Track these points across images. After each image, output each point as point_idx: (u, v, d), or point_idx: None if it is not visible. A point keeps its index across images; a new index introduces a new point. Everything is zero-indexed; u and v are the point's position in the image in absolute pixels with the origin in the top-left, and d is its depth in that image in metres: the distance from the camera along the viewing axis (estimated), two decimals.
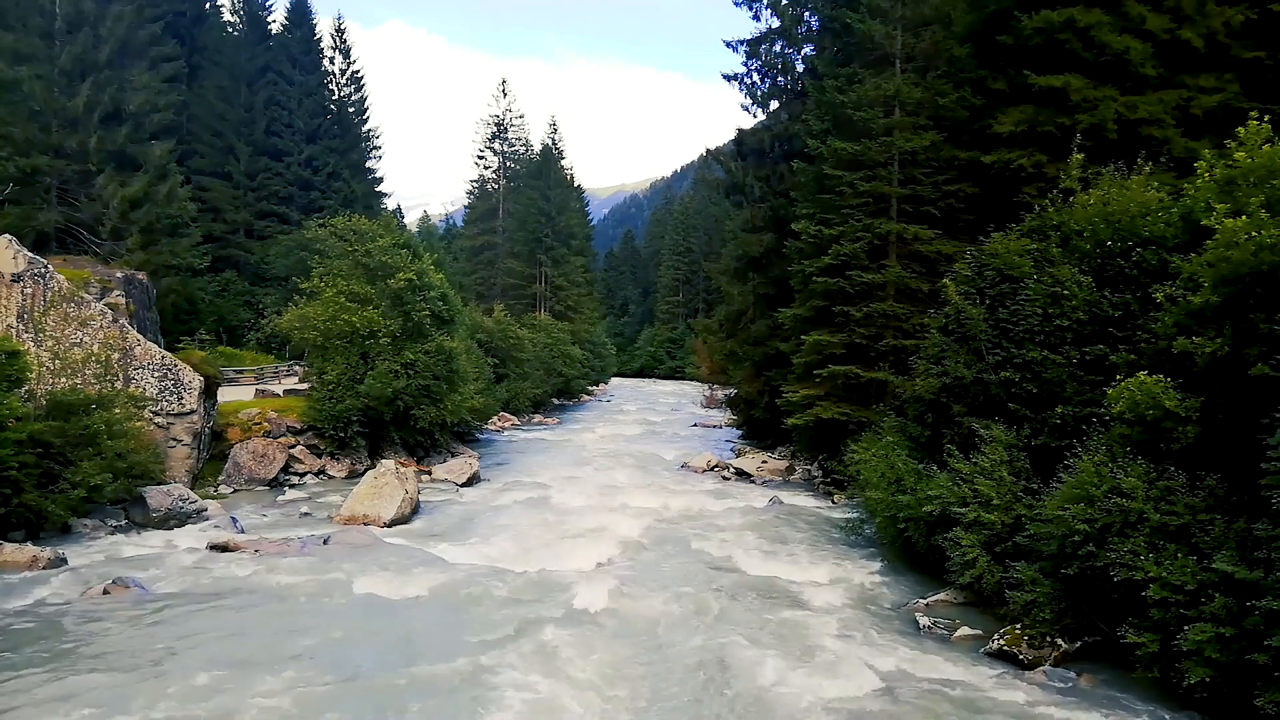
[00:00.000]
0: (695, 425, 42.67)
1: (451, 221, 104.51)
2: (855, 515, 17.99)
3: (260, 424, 22.81)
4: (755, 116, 31.74)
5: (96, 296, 20.43)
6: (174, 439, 19.55)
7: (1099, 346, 11.71)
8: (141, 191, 29.77)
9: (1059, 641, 10.33)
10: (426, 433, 25.90)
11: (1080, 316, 12.11)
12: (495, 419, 38.23)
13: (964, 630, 11.33)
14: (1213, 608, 8.32)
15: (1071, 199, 13.78)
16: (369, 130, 52.84)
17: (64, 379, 17.38)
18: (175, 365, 19.82)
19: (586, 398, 62.54)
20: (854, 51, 23.66)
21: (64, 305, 18.59)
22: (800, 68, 29.72)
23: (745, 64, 30.32)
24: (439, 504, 19.95)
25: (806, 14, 29.33)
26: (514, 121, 70.50)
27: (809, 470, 25.36)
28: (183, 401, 19.68)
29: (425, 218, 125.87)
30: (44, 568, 12.94)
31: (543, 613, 11.70)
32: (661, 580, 13.62)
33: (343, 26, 51.16)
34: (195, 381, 19.87)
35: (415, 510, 18.43)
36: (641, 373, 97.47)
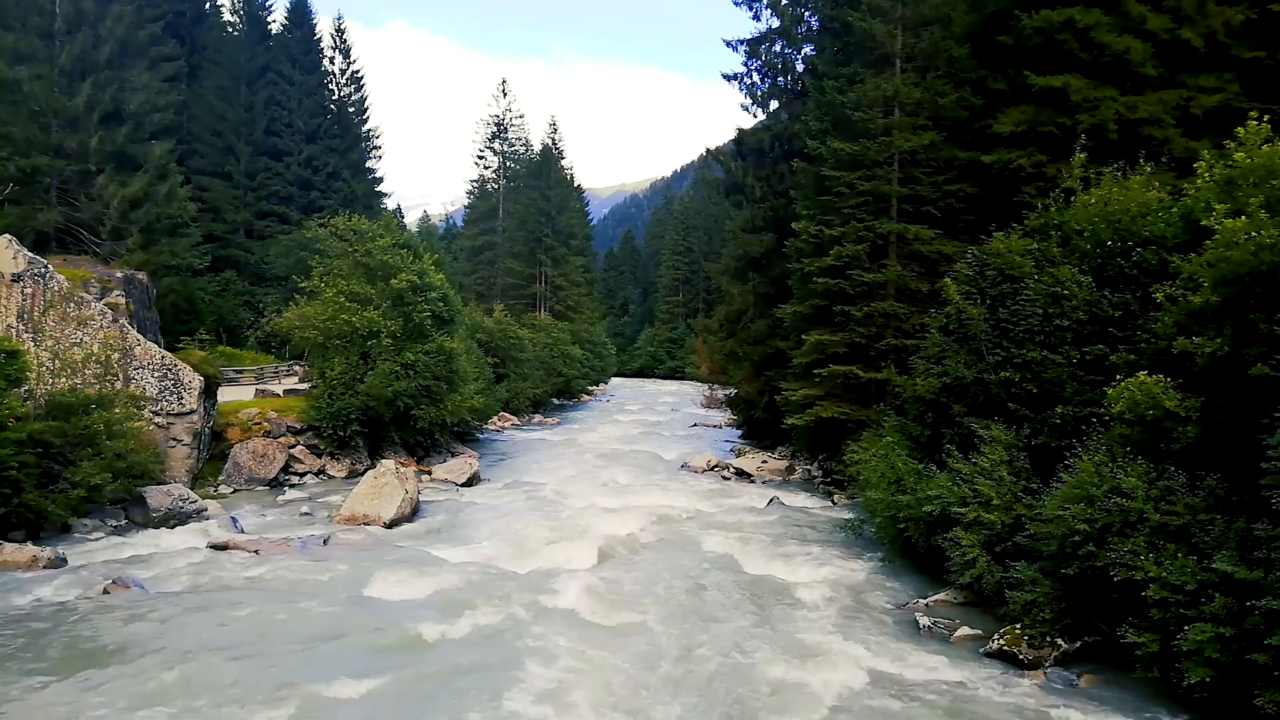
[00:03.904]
0: (695, 425, 42.66)
1: (451, 221, 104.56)
2: (855, 515, 17.97)
3: (260, 424, 22.81)
4: (755, 116, 31.77)
5: (96, 296, 20.44)
6: (174, 439, 19.55)
7: (1099, 346, 11.71)
8: (141, 191, 29.75)
9: (1059, 641, 10.33)
10: (426, 433, 25.90)
11: (1080, 316, 12.11)
12: (495, 419, 38.22)
13: (964, 630, 11.33)
14: (1213, 608, 8.32)
15: (1073, 199, 13.79)
16: (369, 130, 52.80)
17: (64, 379, 17.38)
18: (175, 365, 19.82)
19: (586, 398, 62.51)
20: (854, 51, 23.65)
21: (64, 305, 18.59)
22: (800, 68, 29.71)
23: (745, 64, 30.33)
24: (439, 504, 19.95)
25: (806, 14, 29.33)
26: (514, 121, 70.54)
27: (809, 470, 25.35)
28: (183, 401, 19.68)
29: (425, 218, 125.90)
30: (44, 568, 12.95)
31: (542, 612, 11.71)
32: (661, 580, 13.61)
33: (342, 26, 51.16)
34: (195, 381, 19.87)
35: (415, 510, 18.43)
36: (641, 373, 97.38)
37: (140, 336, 19.99)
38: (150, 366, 19.58)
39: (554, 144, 69.25)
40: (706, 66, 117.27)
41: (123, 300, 21.69)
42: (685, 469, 26.82)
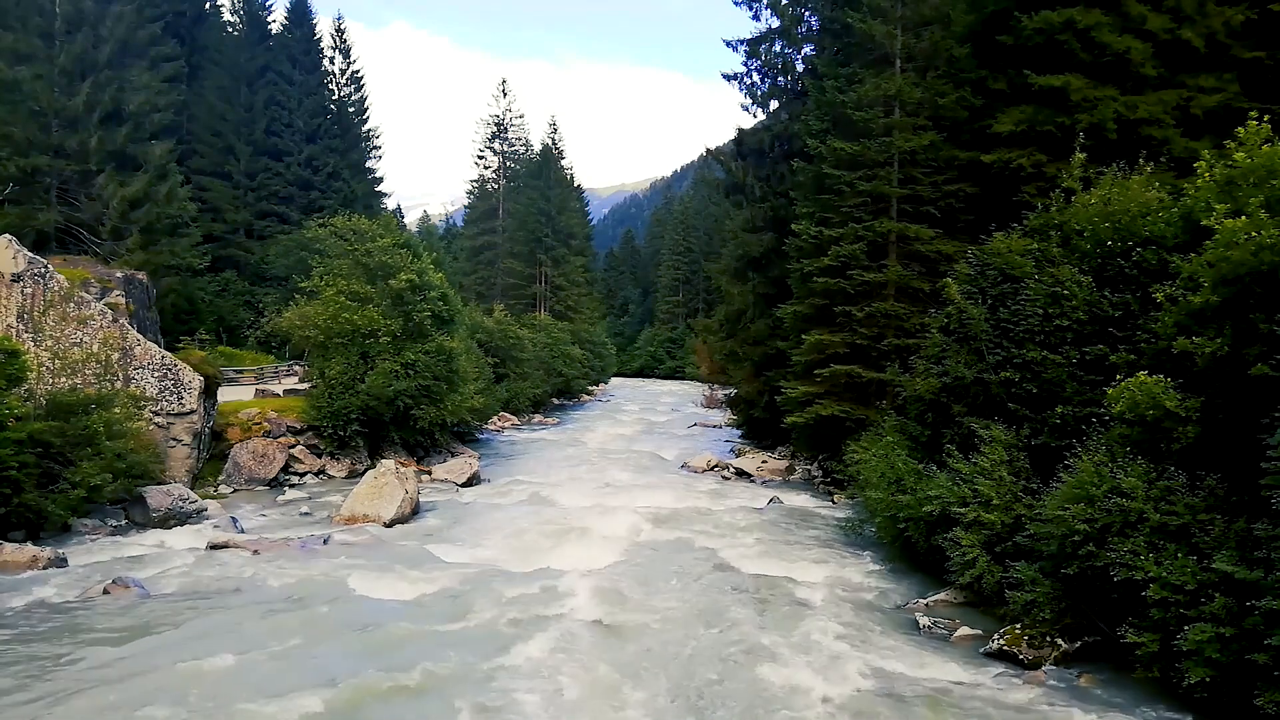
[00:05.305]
0: (695, 425, 42.65)
1: (451, 221, 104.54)
2: (855, 515, 17.97)
3: (260, 424, 22.82)
4: (755, 116, 31.73)
5: (96, 296, 20.42)
6: (174, 439, 19.55)
7: (1099, 346, 11.71)
8: (141, 191, 29.74)
9: (1059, 641, 10.32)
10: (426, 433, 25.90)
11: (1080, 316, 12.11)
12: (495, 419, 38.22)
13: (964, 630, 11.33)
14: (1213, 608, 8.31)
15: (1073, 199, 13.79)
16: (369, 130, 52.86)
17: (64, 379, 17.39)
18: (175, 365, 19.82)
19: (586, 397, 62.49)
20: (854, 51, 23.65)
21: (64, 305, 18.59)
22: (800, 67, 29.68)
23: (745, 64, 30.28)
24: (439, 504, 19.94)
25: (806, 14, 29.30)
26: (514, 121, 70.55)
27: (809, 470, 25.35)
28: (183, 401, 19.68)
29: (425, 218, 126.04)
30: (44, 568, 12.95)
31: (542, 613, 11.70)
32: (661, 580, 13.63)
33: (342, 26, 51.22)
34: (195, 381, 19.87)
35: (415, 510, 18.43)
36: (641, 373, 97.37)
37: (140, 336, 19.99)
38: (150, 366, 19.58)
39: (554, 144, 69.30)
40: (706, 66, 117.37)
41: (123, 300, 21.68)
42: (685, 469, 26.82)
